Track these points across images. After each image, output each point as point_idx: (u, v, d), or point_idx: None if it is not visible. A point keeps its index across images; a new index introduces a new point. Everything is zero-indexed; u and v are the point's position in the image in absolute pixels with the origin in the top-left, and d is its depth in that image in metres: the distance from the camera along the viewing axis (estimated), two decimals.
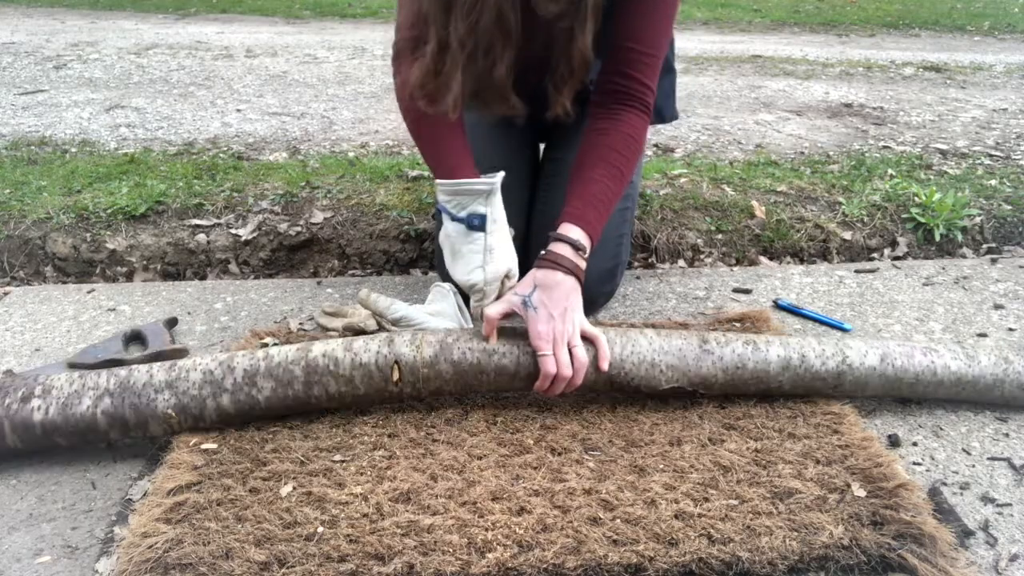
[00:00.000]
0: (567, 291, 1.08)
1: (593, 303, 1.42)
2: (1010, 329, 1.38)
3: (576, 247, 1.11)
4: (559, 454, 1.02)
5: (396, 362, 1.06)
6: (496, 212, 1.16)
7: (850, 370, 1.10)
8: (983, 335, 1.36)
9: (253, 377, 1.05)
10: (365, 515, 0.90)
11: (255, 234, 1.72)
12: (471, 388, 1.10)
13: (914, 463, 1.03)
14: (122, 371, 1.06)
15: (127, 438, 1.06)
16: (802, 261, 1.76)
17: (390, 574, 0.82)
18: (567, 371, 1.04)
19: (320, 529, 0.88)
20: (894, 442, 1.06)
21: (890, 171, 2.09)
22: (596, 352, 1.07)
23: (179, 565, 0.83)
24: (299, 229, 1.73)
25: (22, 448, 1.02)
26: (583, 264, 1.12)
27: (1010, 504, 0.95)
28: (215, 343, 1.33)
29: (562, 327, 1.06)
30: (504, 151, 1.45)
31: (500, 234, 1.16)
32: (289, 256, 1.73)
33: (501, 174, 1.17)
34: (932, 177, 2.09)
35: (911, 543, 0.85)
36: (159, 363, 1.07)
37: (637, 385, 1.09)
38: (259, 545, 0.86)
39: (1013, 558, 0.86)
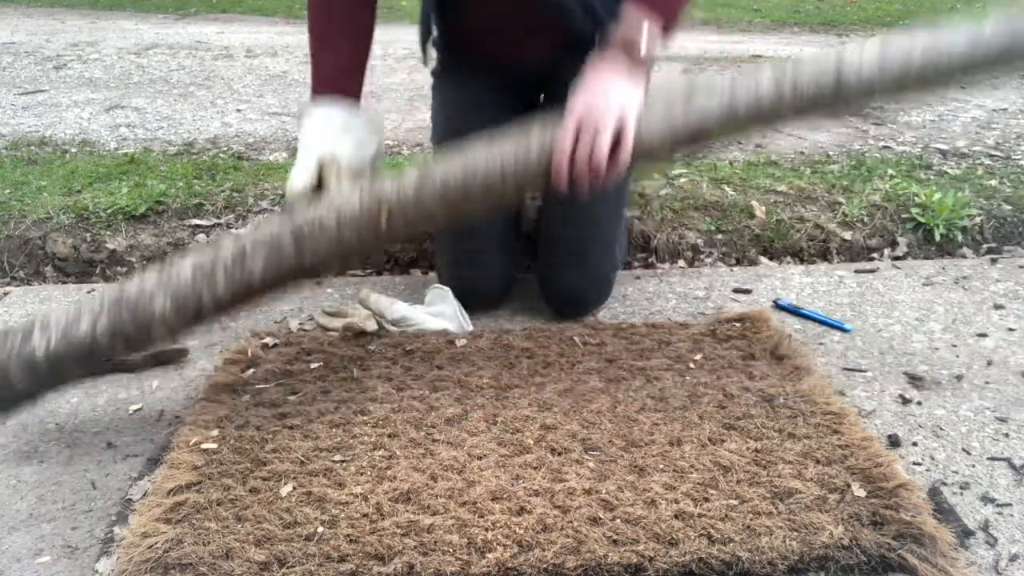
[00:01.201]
0: (615, 72, 0.98)
1: (582, 308, 1.42)
2: (1010, 329, 1.38)
3: (638, 28, 1.00)
4: (559, 454, 1.02)
5: (379, 201, 1.02)
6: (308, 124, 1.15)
7: (849, 69, 0.98)
8: (983, 335, 1.36)
9: (243, 257, 1.01)
10: (365, 515, 0.90)
11: None
12: (466, 212, 1.05)
13: (914, 463, 1.03)
14: (114, 286, 1.04)
15: (133, 349, 1.05)
16: (802, 261, 1.76)
17: (390, 574, 0.82)
18: (585, 153, 0.95)
19: (320, 529, 0.88)
20: (894, 442, 1.06)
21: (890, 171, 2.09)
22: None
23: (179, 565, 0.83)
24: None
25: (32, 389, 1.01)
26: (643, 44, 1.00)
27: (1010, 504, 0.95)
28: (215, 343, 1.33)
29: (598, 101, 0.95)
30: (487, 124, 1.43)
31: (309, 124, 1.16)
32: None
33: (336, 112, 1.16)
34: (932, 177, 2.09)
35: (911, 543, 0.85)
36: (149, 269, 1.05)
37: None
38: (259, 545, 0.86)
39: (1013, 558, 0.86)
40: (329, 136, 1.14)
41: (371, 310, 1.34)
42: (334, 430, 1.06)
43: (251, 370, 1.22)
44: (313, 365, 1.23)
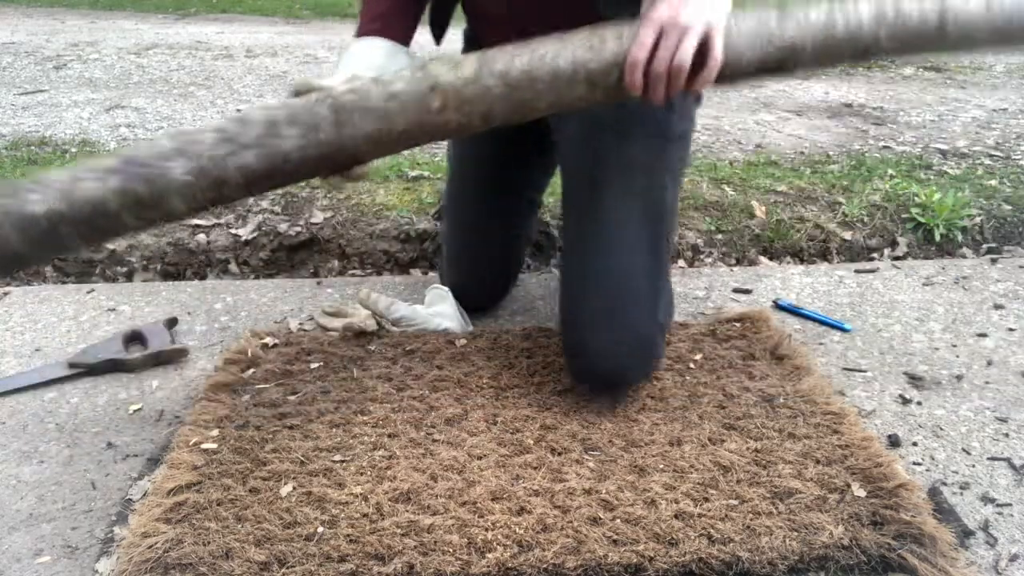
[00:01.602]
0: None
1: (619, 381, 1.14)
2: (1010, 329, 1.38)
3: None
4: (559, 454, 1.02)
5: (434, 82, 0.89)
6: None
7: (955, 4, 0.90)
8: (983, 335, 1.36)
9: (275, 127, 0.89)
10: (365, 515, 0.90)
11: (255, 234, 1.72)
12: (528, 106, 0.92)
13: (914, 463, 1.03)
14: (123, 150, 0.92)
15: (145, 220, 0.91)
16: (802, 261, 1.76)
17: (390, 574, 0.82)
18: (667, 53, 0.85)
19: (320, 529, 0.88)
20: (894, 442, 1.06)
21: (890, 171, 2.09)
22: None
23: (179, 565, 0.83)
24: (299, 229, 1.73)
25: (27, 252, 0.88)
26: None
27: (1010, 504, 0.95)
28: (215, 343, 1.33)
29: (684, 5, 0.85)
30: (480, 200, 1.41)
31: (347, 56, 1.07)
32: (289, 256, 1.73)
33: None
34: (932, 177, 2.09)
35: (911, 543, 0.85)
36: (164, 133, 0.94)
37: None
38: (259, 545, 0.86)
39: (1013, 558, 0.86)
40: (372, 60, 1.04)
41: (371, 310, 1.34)
42: (334, 430, 1.06)
43: (251, 370, 1.22)
44: (313, 365, 1.23)
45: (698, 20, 0.85)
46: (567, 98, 0.92)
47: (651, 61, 0.86)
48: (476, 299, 1.42)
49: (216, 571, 0.82)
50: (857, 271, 1.63)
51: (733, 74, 0.92)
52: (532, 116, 0.93)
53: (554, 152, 1.29)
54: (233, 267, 1.71)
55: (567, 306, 1.17)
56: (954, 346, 1.32)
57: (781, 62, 0.92)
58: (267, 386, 1.17)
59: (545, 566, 0.84)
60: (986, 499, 0.96)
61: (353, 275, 1.69)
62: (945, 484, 0.98)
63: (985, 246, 1.83)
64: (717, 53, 0.87)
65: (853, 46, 0.91)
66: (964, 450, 1.05)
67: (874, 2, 0.91)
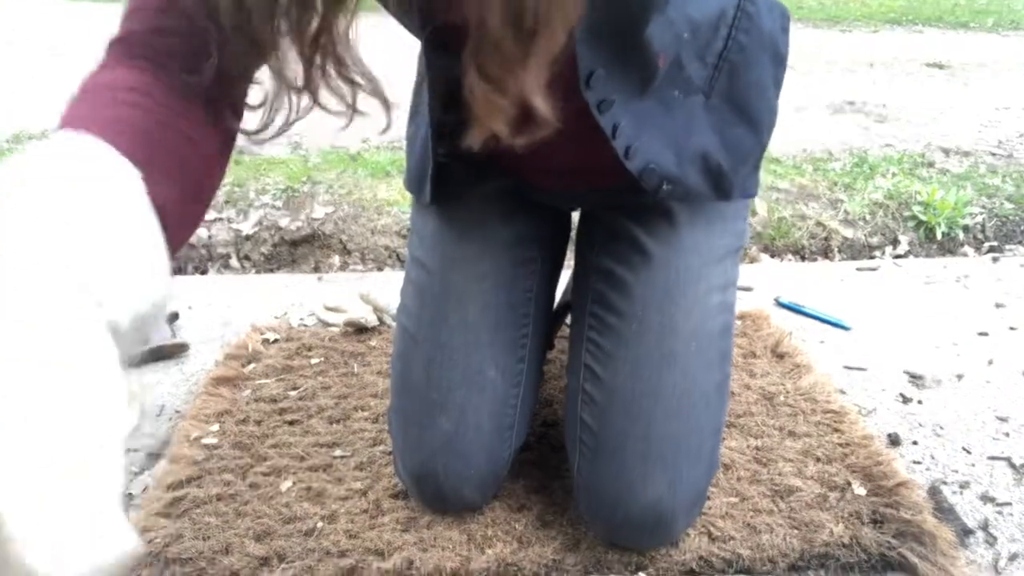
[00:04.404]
0: None
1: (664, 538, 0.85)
2: (1011, 328, 1.38)
3: None
4: (559, 450, 1.01)
5: None
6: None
7: None
8: (984, 334, 1.36)
9: None
10: (364, 511, 0.90)
11: (256, 229, 1.72)
12: None
13: (914, 462, 1.03)
14: None
15: None
16: (803, 259, 1.76)
17: (390, 570, 0.82)
18: None
19: (319, 524, 0.88)
20: (894, 441, 1.06)
21: (892, 169, 2.09)
22: None
23: (179, 560, 0.83)
24: (300, 224, 1.73)
25: None
26: None
27: (1010, 503, 0.95)
28: (216, 338, 1.33)
29: None
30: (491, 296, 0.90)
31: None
32: (290, 251, 1.73)
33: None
34: (934, 175, 2.08)
35: (911, 541, 0.85)
36: None
37: None
38: (259, 540, 0.86)
39: (1012, 557, 0.86)
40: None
41: (372, 305, 1.34)
42: (334, 425, 1.06)
43: (252, 365, 1.22)
44: (314, 360, 1.23)
45: None
46: None
47: None
48: (456, 496, 0.87)
49: (215, 566, 0.83)
50: (858, 269, 1.63)
51: None
52: None
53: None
54: (234, 262, 1.71)
55: (598, 447, 0.83)
56: (955, 344, 1.32)
57: None
58: (268, 381, 1.17)
59: (545, 562, 0.83)
60: (986, 498, 0.95)
61: (354, 270, 1.69)
62: (945, 483, 0.98)
63: (987, 244, 1.83)
64: None
65: None
66: (964, 449, 1.05)
67: None
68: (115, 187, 0.47)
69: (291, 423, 1.07)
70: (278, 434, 1.05)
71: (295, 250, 1.73)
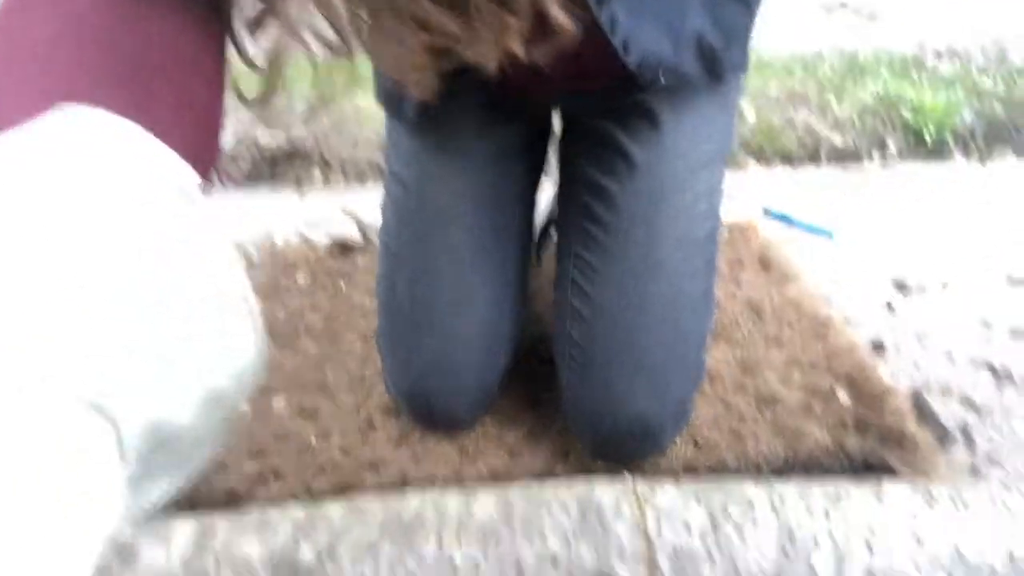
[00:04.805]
0: None
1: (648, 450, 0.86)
2: (999, 233, 1.38)
3: None
4: (548, 364, 1.02)
5: None
6: None
7: None
8: (972, 239, 1.36)
9: None
10: (357, 427, 0.91)
11: (235, 145, 1.68)
12: None
13: (898, 369, 1.04)
14: None
15: None
16: (792, 165, 1.74)
17: (384, 483, 0.84)
18: None
19: (313, 441, 0.89)
20: (878, 348, 1.08)
21: (883, 70, 2.05)
22: None
23: None
24: (280, 139, 1.68)
25: None
26: None
27: (990, 408, 0.97)
28: None
29: None
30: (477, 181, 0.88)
31: None
32: (271, 167, 1.69)
33: None
34: (925, 77, 2.04)
35: (893, 447, 0.87)
36: None
37: None
38: (253, 458, 0.87)
39: (991, 461, 0.89)
40: None
41: (356, 221, 1.32)
42: (324, 345, 1.06)
43: None
44: (300, 280, 1.22)
45: None
46: None
47: None
48: (447, 415, 0.89)
49: (211, 484, 0.84)
50: (846, 174, 1.61)
51: None
52: None
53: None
54: (214, 179, 1.67)
55: (584, 362, 0.84)
56: (942, 251, 1.32)
57: None
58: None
59: (535, 472, 0.85)
60: (967, 403, 0.98)
61: (337, 185, 1.66)
62: (928, 389, 1.00)
63: (976, 149, 1.81)
64: None
65: None
66: (947, 355, 1.07)
67: None
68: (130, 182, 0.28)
69: (281, 343, 1.07)
70: (268, 354, 1.04)
71: (275, 166, 1.69)
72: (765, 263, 1.25)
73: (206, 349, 0.29)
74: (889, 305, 1.18)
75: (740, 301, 1.15)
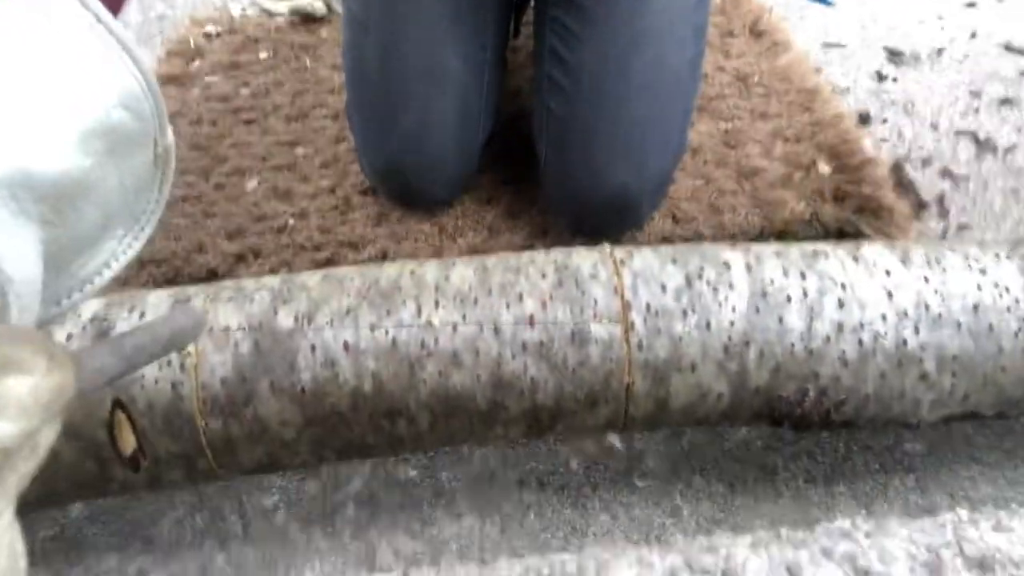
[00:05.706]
0: None
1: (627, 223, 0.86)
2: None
3: None
4: (526, 141, 0.99)
5: None
6: None
7: None
8: (972, 5, 1.29)
9: None
10: (334, 207, 0.90)
11: None
12: None
13: (882, 139, 1.03)
14: None
15: None
16: None
17: (365, 259, 0.84)
18: None
19: (291, 221, 0.89)
20: (864, 119, 1.05)
21: None
22: None
23: (153, 261, 0.84)
24: None
25: None
26: None
27: (968, 177, 0.97)
28: (154, 35, 1.23)
29: None
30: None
31: None
32: None
33: None
34: None
35: (868, 216, 0.88)
36: None
37: None
38: (231, 239, 0.87)
39: (961, 227, 0.90)
40: None
41: None
42: (293, 124, 1.02)
43: (196, 62, 1.13)
44: (262, 55, 1.15)
45: None
46: None
47: None
48: (424, 193, 0.88)
49: (191, 264, 0.84)
50: None
51: None
52: None
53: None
54: None
55: (565, 134, 0.81)
56: (940, 18, 1.26)
57: None
58: (216, 79, 1.10)
59: (514, 248, 0.86)
60: (945, 173, 0.97)
61: None
62: (909, 160, 0.99)
63: None
64: None
65: None
66: (932, 125, 1.05)
67: None
68: None
69: (247, 122, 1.03)
70: (236, 134, 1.01)
71: None
72: (757, 32, 1.19)
73: (66, 86, 0.27)
74: (879, 75, 1.13)
75: (728, 72, 1.10)
